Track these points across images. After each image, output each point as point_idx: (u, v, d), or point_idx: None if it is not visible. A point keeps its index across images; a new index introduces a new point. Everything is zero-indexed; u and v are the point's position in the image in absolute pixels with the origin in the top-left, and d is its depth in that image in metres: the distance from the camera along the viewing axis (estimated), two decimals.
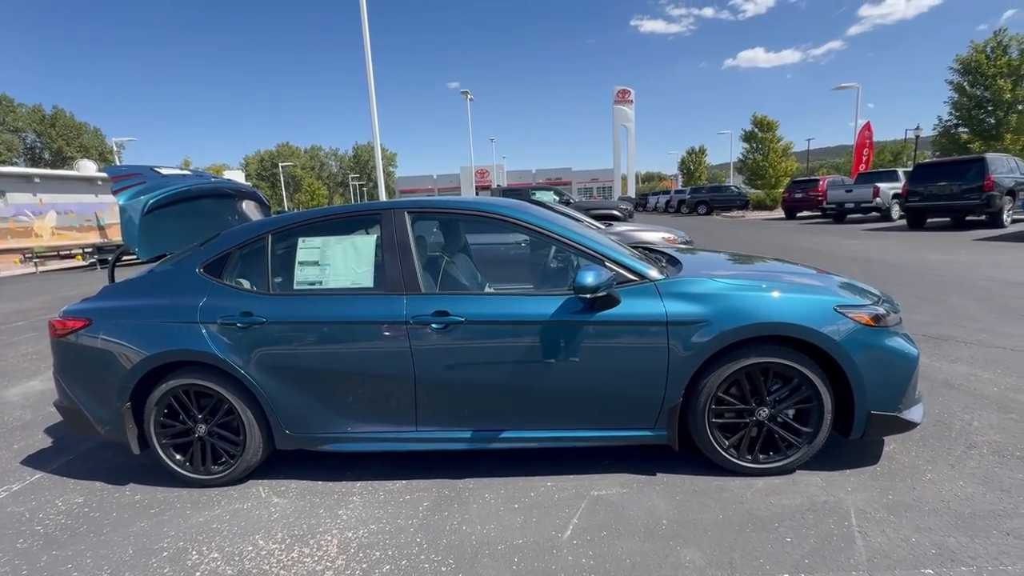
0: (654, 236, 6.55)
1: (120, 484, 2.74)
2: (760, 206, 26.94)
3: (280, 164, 62.81)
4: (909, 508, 2.10)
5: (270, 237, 2.64)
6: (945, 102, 21.07)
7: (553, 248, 3.56)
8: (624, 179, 53.83)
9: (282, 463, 2.81)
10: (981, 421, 2.79)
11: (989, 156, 12.36)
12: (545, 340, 2.34)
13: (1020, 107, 18.89)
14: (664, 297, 2.32)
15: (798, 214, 20.29)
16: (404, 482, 2.57)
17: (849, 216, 17.09)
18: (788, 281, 2.50)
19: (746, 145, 33.70)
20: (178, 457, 2.65)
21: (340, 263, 2.56)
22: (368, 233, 2.61)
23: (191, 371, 2.56)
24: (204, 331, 2.50)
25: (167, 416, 2.62)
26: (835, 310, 2.28)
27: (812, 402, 2.33)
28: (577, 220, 6.03)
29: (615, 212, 11.48)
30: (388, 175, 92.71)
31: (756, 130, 33.15)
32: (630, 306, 2.31)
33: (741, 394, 2.36)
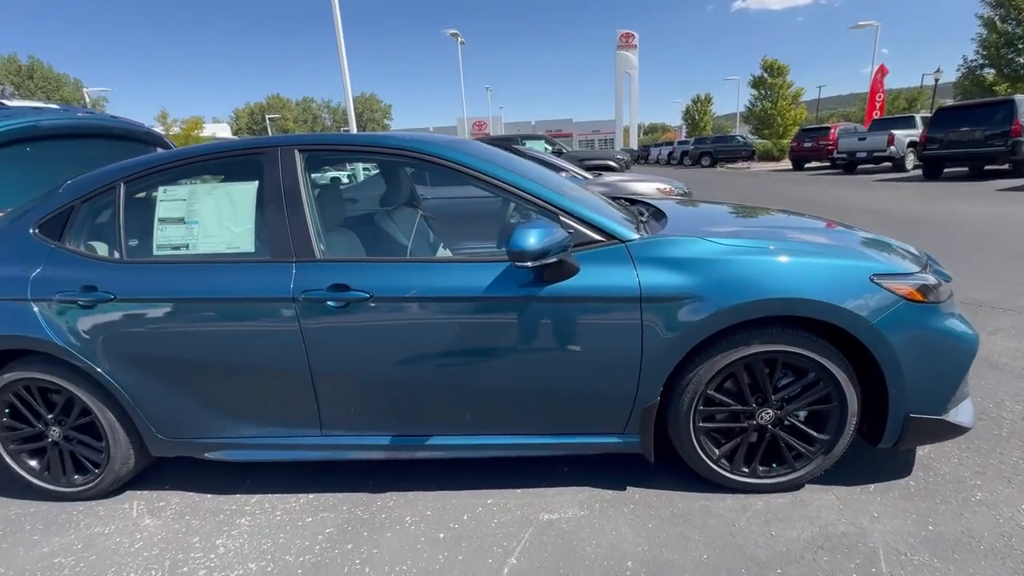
0: (647, 187, 5.84)
1: None
2: (766, 157, 25.70)
3: (268, 116, 60.34)
4: (958, 547, 1.56)
5: (122, 186, 1.99)
6: (972, 39, 19.39)
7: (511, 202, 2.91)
8: (626, 130, 51.64)
9: (175, 466, 2.29)
10: None
11: (1019, 98, 11.34)
12: (478, 323, 1.75)
13: None
14: (638, 263, 1.70)
15: (806, 165, 19.23)
16: (311, 496, 2.04)
17: (860, 167, 16.11)
18: (804, 241, 1.87)
19: (754, 92, 31.84)
20: (32, 464, 2.12)
21: (212, 220, 1.93)
22: (250, 180, 1.96)
23: (29, 363, 1.99)
24: (37, 311, 1.91)
25: (11, 417, 2.08)
26: (871, 280, 1.66)
27: (832, 402, 1.76)
28: (555, 169, 5.31)
29: (610, 163, 10.63)
30: (384, 127, 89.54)
31: (766, 75, 31.23)
32: (591, 276, 1.70)
33: (738, 391, 1.79)
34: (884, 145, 14.94)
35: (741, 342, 1.70)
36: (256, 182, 1.93)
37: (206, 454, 2.03)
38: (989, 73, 19.21)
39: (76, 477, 2.11)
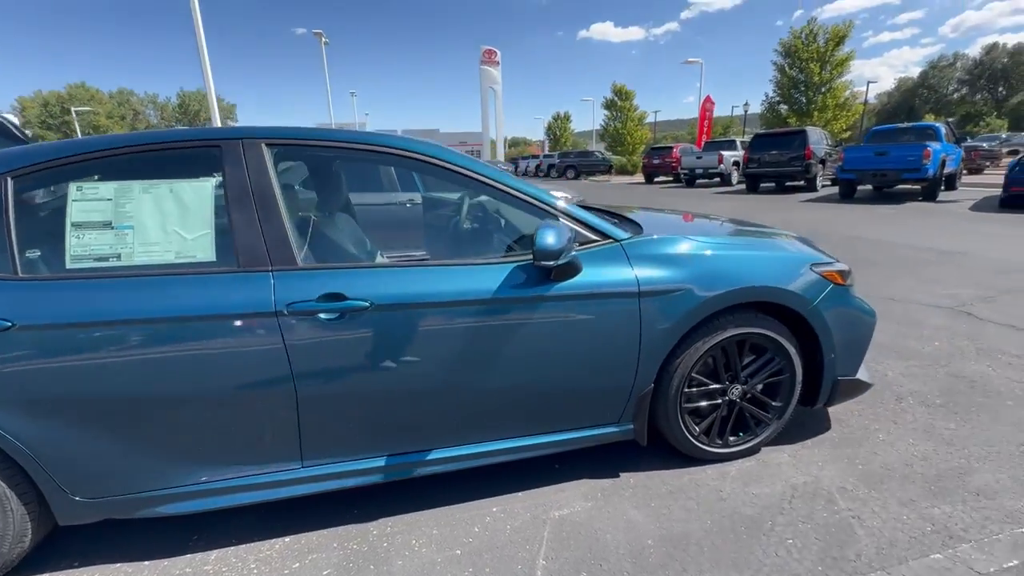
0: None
1: None
2: (622, 171, 28.71)
3: (74, 109, 50.01)
4: (883, 478, 1.96)
5: (9, 183, 1.54)
6: (770, 80, 24.33)
7: (465, 204, 2.91)
8: (493, 143, 53.41)
9: (71, 533, 1.81)
10: (893, 371, 2.88)
11: (808, 129, 14.34)
12: (487, 326, 1.71)
13: (824, 89, 22.56)
14: (633, 260, 1.83)
15: (655, 179, 21.92)
16: (286, 540, 1.79)
17: (698, 181, 18.85)
18: (758, 239, 2.20)
19: (607, 112, 35.37)
20: None
21: (153, 224, 1.60)
22: (202, 177, 1.66)
23: None
24: None
25: None
26: (811, 269, 2.01)
27: (784, 373, 2.08)
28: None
29: None
30: None
31: (616, 99, 34.89)
32: (594, 273, 1.78)
33: (714, 372, 2.02)
34: (716, 163, 17.73)
35: (719, 327, 1.93)
36: (211, 179, 1.65)
37: (144, 512, 1.65)
38: (784, 108, 24.13)
39: None
